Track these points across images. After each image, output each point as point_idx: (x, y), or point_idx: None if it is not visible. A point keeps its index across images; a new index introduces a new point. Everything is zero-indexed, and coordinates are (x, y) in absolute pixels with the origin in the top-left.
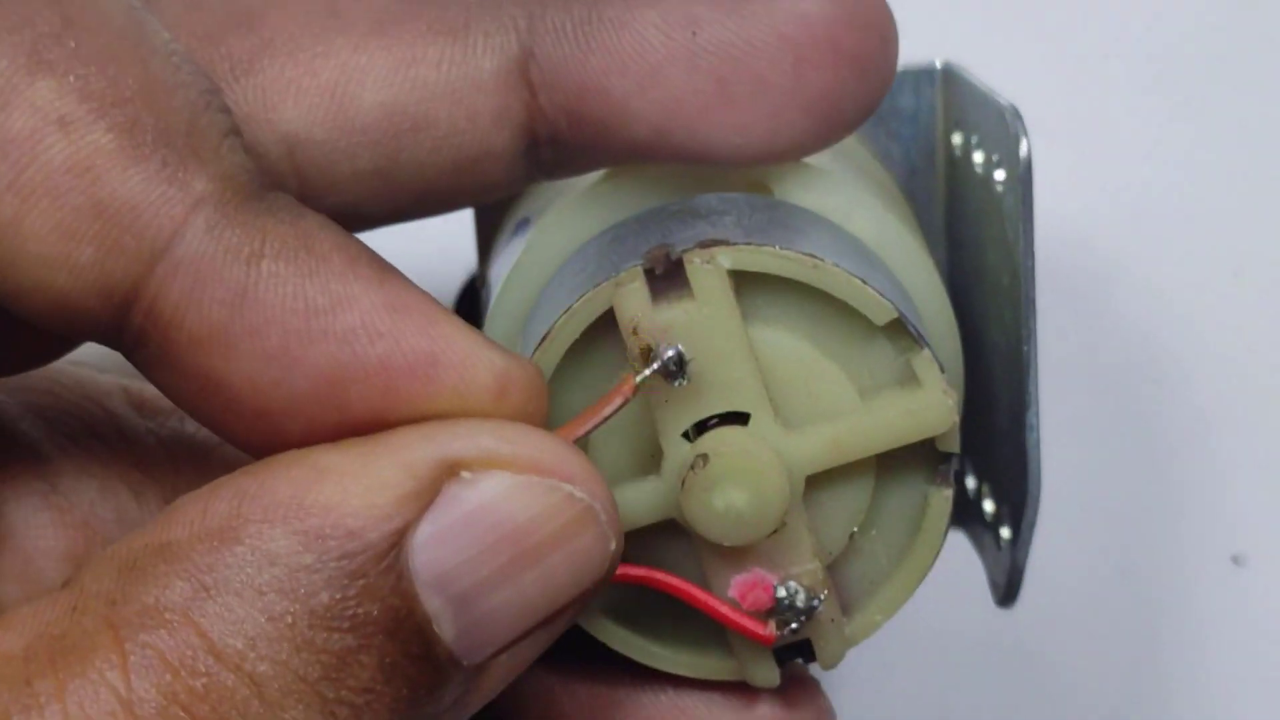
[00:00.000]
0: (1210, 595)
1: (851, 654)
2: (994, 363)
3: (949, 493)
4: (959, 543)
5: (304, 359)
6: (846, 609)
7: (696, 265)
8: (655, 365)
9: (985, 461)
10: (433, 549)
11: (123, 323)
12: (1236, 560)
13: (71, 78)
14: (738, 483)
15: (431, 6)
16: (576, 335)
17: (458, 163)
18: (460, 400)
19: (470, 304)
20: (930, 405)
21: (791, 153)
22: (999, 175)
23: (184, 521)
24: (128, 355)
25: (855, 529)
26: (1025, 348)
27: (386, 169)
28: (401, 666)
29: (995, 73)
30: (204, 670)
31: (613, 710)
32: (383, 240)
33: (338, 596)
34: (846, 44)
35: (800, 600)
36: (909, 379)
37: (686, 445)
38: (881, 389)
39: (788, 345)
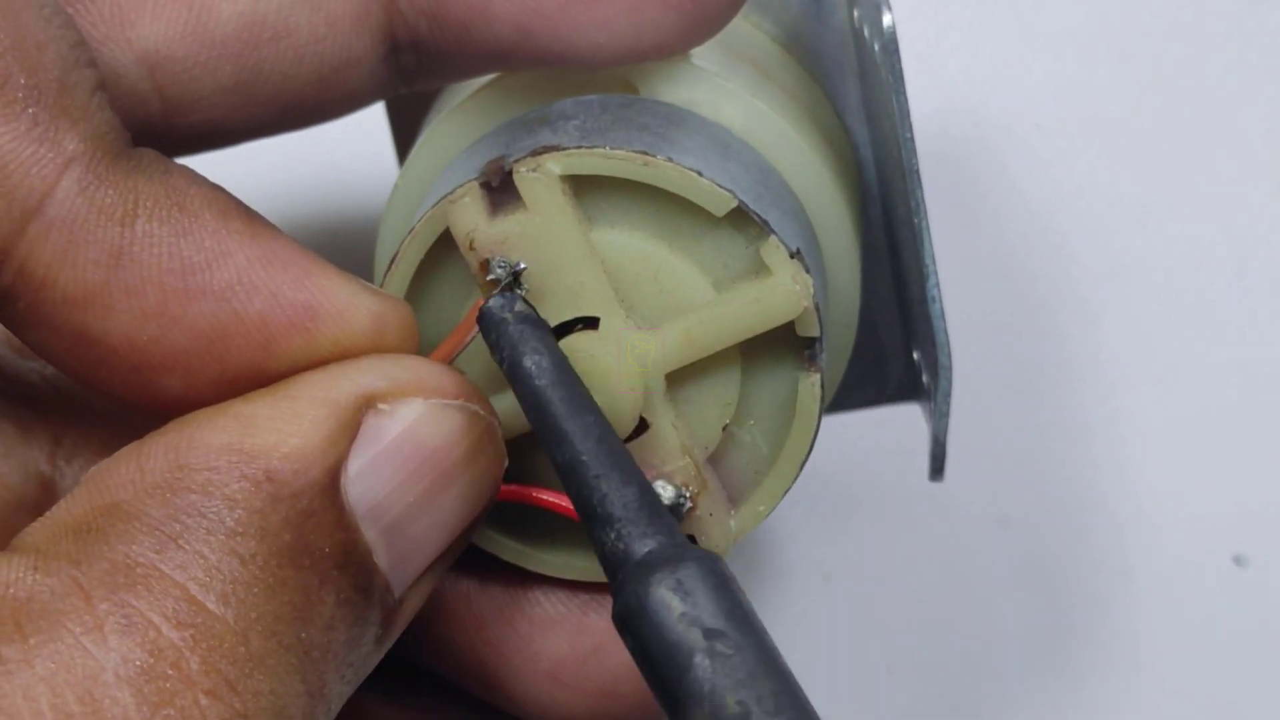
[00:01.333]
0: (1211, 595)
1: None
2: (904, 235)
3: (817, 377)
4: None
5: (182, 317)
6: (734, 500)
7: (524, 174)
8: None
9: (917, 333)
10: (365, 481)
11: None
12: (1238, 561)
13: None
14: (589, 387)
15: None
16: (421, 255)
17: (320, 72)
18: (339, 347)
19: None
20: (779, 291)
21: (658, 51)
22: (876, 47)
23: (123, 482)
24: None
25: (728, 421)
26: (915, 220)
27: (249, 82)
28: (353, 601)
29: (984, 65)
30: (188, 621)
31: (523, 610)
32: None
33: (297, 535)
34: None
35: (667, 498)
36: (761, 267)
37: None
38: (736, 280)
39: (635, 245)
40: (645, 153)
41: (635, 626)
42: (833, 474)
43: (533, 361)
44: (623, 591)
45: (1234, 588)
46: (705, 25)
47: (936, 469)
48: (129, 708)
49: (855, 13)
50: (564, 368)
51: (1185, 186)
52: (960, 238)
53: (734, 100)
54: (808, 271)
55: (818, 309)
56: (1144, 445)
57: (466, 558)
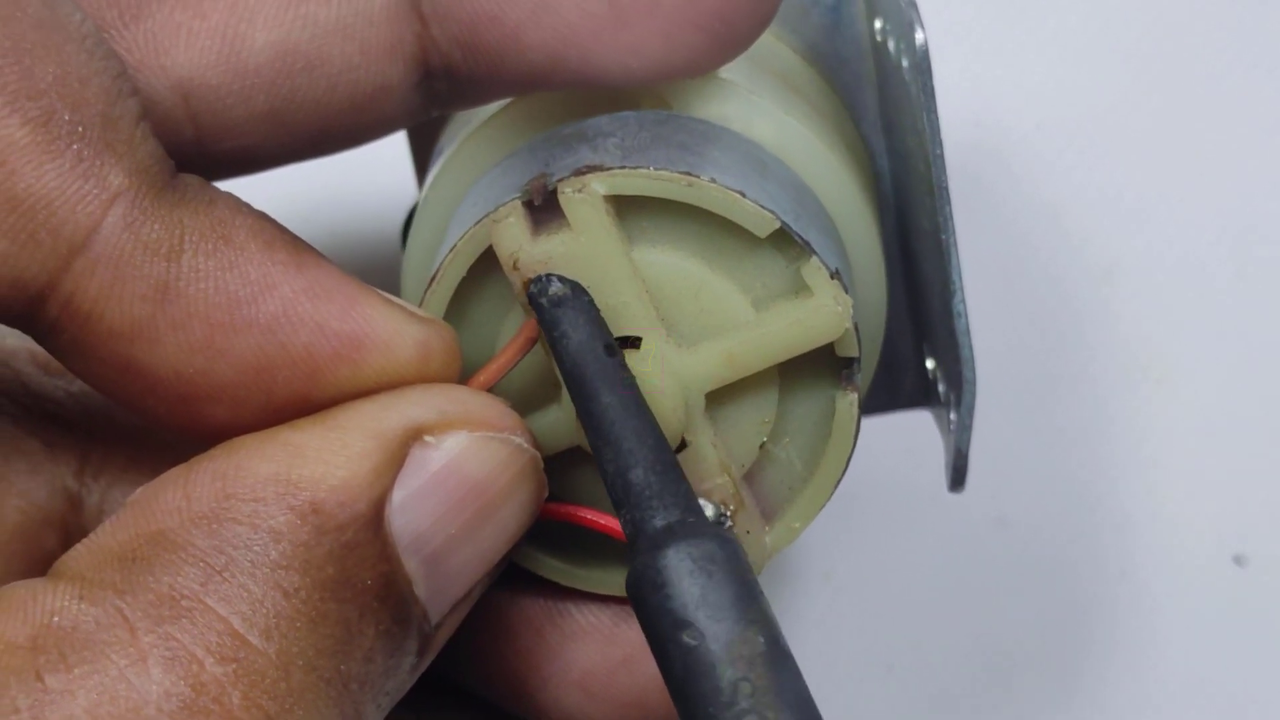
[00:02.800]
0: (1211, 595)
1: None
2: (925, 247)
3: (854, 396)
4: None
5: (229, 349)
6: (768, 517)
7: (569, 195)
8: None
9: (935, 344)
10: (408, 512)
11: (36, 312)
12: (1238, 561)
13: None
14: None
15: None
16: (463, 274)
17: (353, 99)
18: (384, 376)
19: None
20: (821, 313)
21: (688, 70)
22: (905, 63)
23: (169, 510)
24: (39, 340)
25: (765, 439)
26: (944, 236)
27: (282, 109)
28: (392, 631)
29: (984, 64)
30: (231, 656)
31: (554, 621)
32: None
33: (340, 568)
34: None
35: (709, 516)
36: (802, 287)
37: None
38: (775, 299)
39: (676, 264)
40: (689, 174)
41: (641, 594)
42: None
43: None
44: (637, 558)
45: (1234, 588)
46: (734, 45)
47: (958, 480)
48: None
49: (877, 24)
50: (596, 341)
51: (1186, 186)
52: (960, 236)
53: (765, 116)
54: (846, 291)
55: (856, 329)
56: (1144, 445)
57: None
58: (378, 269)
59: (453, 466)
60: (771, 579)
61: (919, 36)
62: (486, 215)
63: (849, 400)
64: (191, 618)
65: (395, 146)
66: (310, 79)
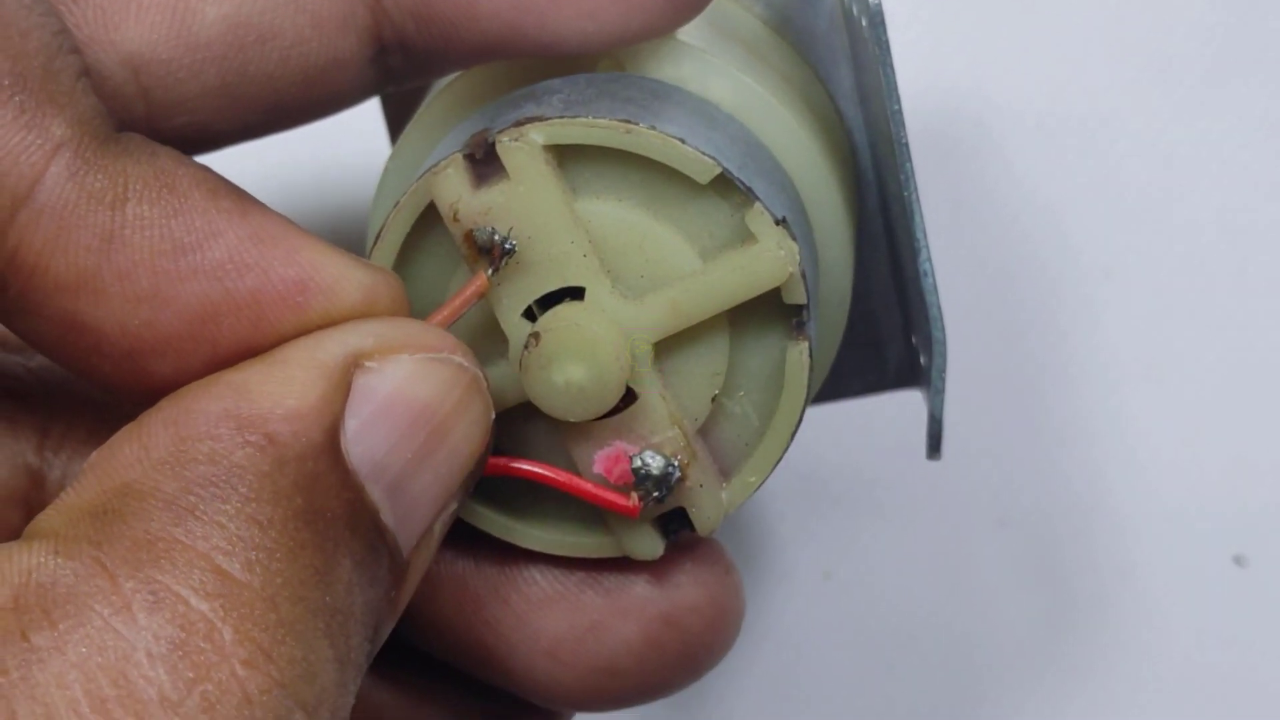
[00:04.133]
0: (1211, 595)
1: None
2: (897, 213)
3: (805, 345)
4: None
5: (175, 298)
6: (726, 473)
7: (506, 144)
8: (496, 259)
9: (911, 314)
10: (363, 440)
11: None
12: (1238, 561)
13: None
14: (573, 357)
15: None
16: (408, 228)
17: (306, 73)
18: (329, 319)
19: None
20: (764, 258)
21: (646, 33)
22: (864, 22)
23: (129, 462)
24: None
25: (717, 392)
26: (905, 193)
27: (234, 84)
28: (366, 561)
29: (984, 64)
30: (216, 591)
31: (519, 589)
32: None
33: (308, 498)
34: None
35: (655, 468)
36: (747, 235)
37: (527, 325)
38: (722, 249)
39: (620, 215)
40: (628, 121)
41: None
42: (833, 473)
43: None
44: None
45: (1234, 588)
46: (691, 4)
47: (934, 447)
48: (164, 686)
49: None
50: None
51: (1186, 186)
52: (960, 236)
53: (722, 76)
54: (794, 239)
55: (804, 276)
56: (1144, 445)
57: (460, 539)
58: (354, 239)
59: (399, 391)
60: (771, 579)
61: None
62: (428, 169)
63: (800, 349)
64: (171, 558)
65: (371, 117)
66: (262, 52)
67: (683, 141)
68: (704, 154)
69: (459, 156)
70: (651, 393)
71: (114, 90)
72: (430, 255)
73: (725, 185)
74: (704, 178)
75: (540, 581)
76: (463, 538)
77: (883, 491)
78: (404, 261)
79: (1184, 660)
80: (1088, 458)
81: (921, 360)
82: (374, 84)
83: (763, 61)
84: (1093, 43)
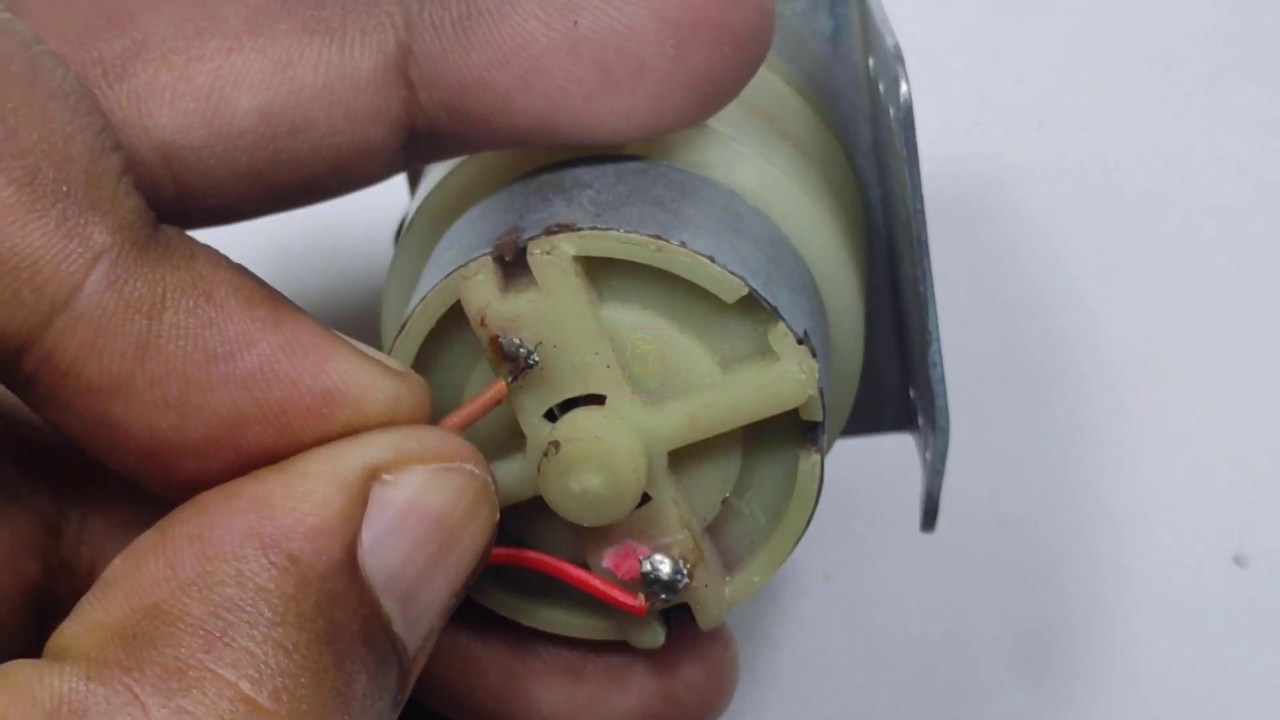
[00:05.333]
0: (1211, 595)
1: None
2: (909, 289)
3: (817, 458)
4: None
5: (204, 405)
6: (729, 566)
7: (538, 256)
8: (519, 369)
9: (916, 381)
10: (379, 553)
11: (12, 364)
12: (1238, 561)
13: None
14: (591, 467)
15: (306, 2)
16: (431, 325)
17: (336, 160)
18: (352, 430)
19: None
20: (785, 379)
21: (675, 127)
22: (890, 111)
23: (157, 580)
24: (12, 389)
25: (728, 494)
26: (922, 288)
27: (264, 169)
28: (377, 674)
29: (985, 64)
30: None
31: (522, 661)
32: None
33: (329, 618)
34: (727, 22)
35: (665, 572)
36: (769, 350)
37: (547, 426)
38: (743, 359)
39: (644, 323)
40: (659, 237)
41: None
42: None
43: None
44: None
45: (1234, 588)
46: (721, 100)
47: (928, 522)
48: None
49: (870, 61)
50: None
51: (1186, 185)
52: (961, 236)
53: (747, 163)
54: (814, 355)
55: (822, 394)
56: (1144, 445)
57: (467, 611)
58: (369, 274)
59: (414, 502)
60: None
61: (903, 89)
62: (457, 269)
63: (812, 461)
64: (201, 687)
65: None
66: (294, 142)
67: (712, 259)
68: (732, 273)
69: (489, 260)
70: (664, 497)
71: (145, 173)
72: (453, 347)
73: (751, 302)
74: (731, 297)
75: (543, 655)
76: (469, 612)
77: (882, 492)
78: (426, 351)
79: (1184, 660)
80: (1088, 458)
81: (919, 420)
82: (402, 165)
83: (783, 137)
84: (1093, 43)
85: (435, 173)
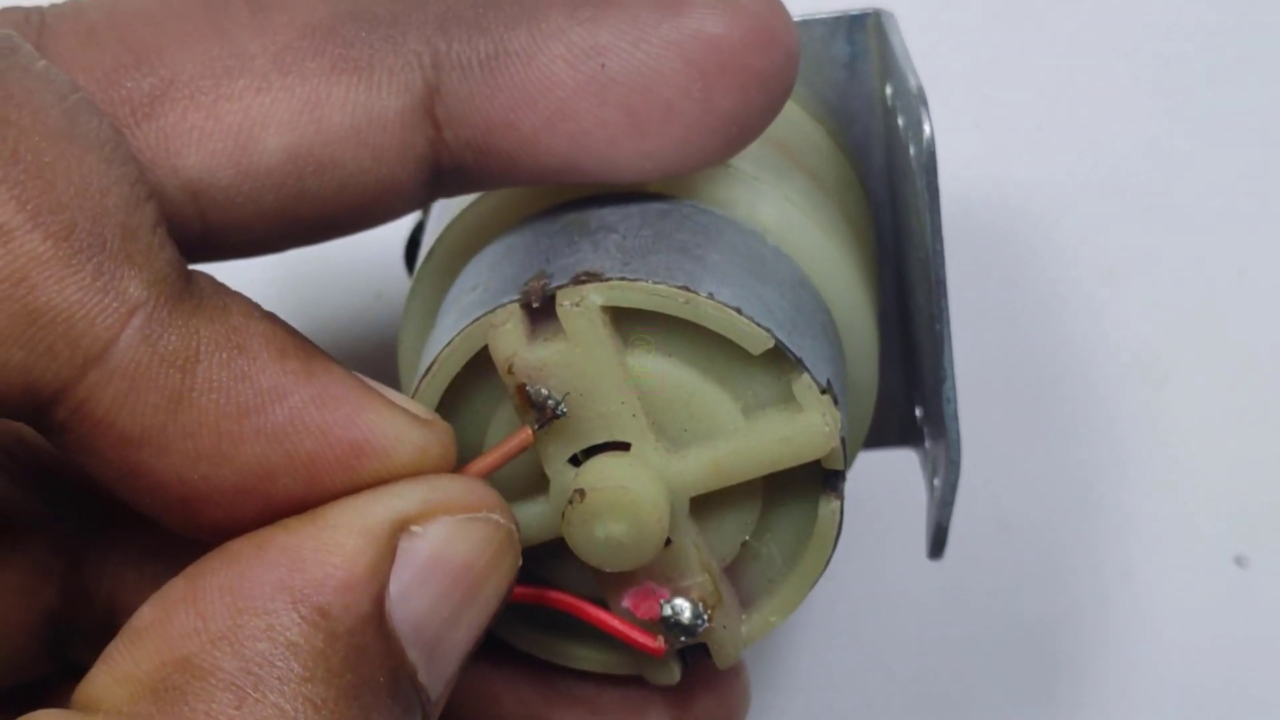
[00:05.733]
0: (1211, 596)
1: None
2: (919, 321)
3: (837, 504)
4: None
5: (235, 457)
6: (746, 604)
7: (567, 308)
8: (546, 418)
9: (925, 405)
10: (405, 603)
11: (44, 413)
12: (1238, 561)
13: (7, 185)
14: (616, 515)
15: (334, 41)
16: (457, 370)
17: (361, 198)
18: (380, 479)
19: (416, 251)
20: (809, 431)
21: (699, 168)
22: (911, 150)
23: (187, 633)
24: (44, 434)
25: (747, 537)
26: (938, 326)
27: (290, 207)
28: None
29: (985, 65)
30: None
31: (541, 693)
32: None
33: (357, 673)
34: (753, 65)
35: (685, 618)
36: (792, 399)
37: (572, 471)
38: (766, 407)
39: (669, 371)
40: (687, 288)
41: None
42: None
43: None
44: None
45: (1234, 588)
46: (745, 141)
47: (937, 551)
48: None
49: (889, 89)
50: None
51: (1187, 185)
52: (961, 237)
53: (767, 202)
54: (836, 404)
55: (843, 442)
56: (1144, 446)
57: (486, 643)
58: (372, 281)
59: (440, 552)
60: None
61: (926, 131)
62: (485, 314)
63: (832, 508)
64: None
65: None
66: (320, 180)
67: (739, 311)
68: (758, 324)
69: (517, 309)
70: (686, 541)
71: (172, 212)
72: (477, 389)
73: (776, 353)
74: (757, 349)
75: (559, 687)
76: (488, 641)
77: (883, 493)
78: (450, 392)
79: (1184, 660)
80: (1088, 460)
81: (925, 443)
82: (426, 199)
83: (798, 167)
84: (1093, 44)
85: (455, 202)
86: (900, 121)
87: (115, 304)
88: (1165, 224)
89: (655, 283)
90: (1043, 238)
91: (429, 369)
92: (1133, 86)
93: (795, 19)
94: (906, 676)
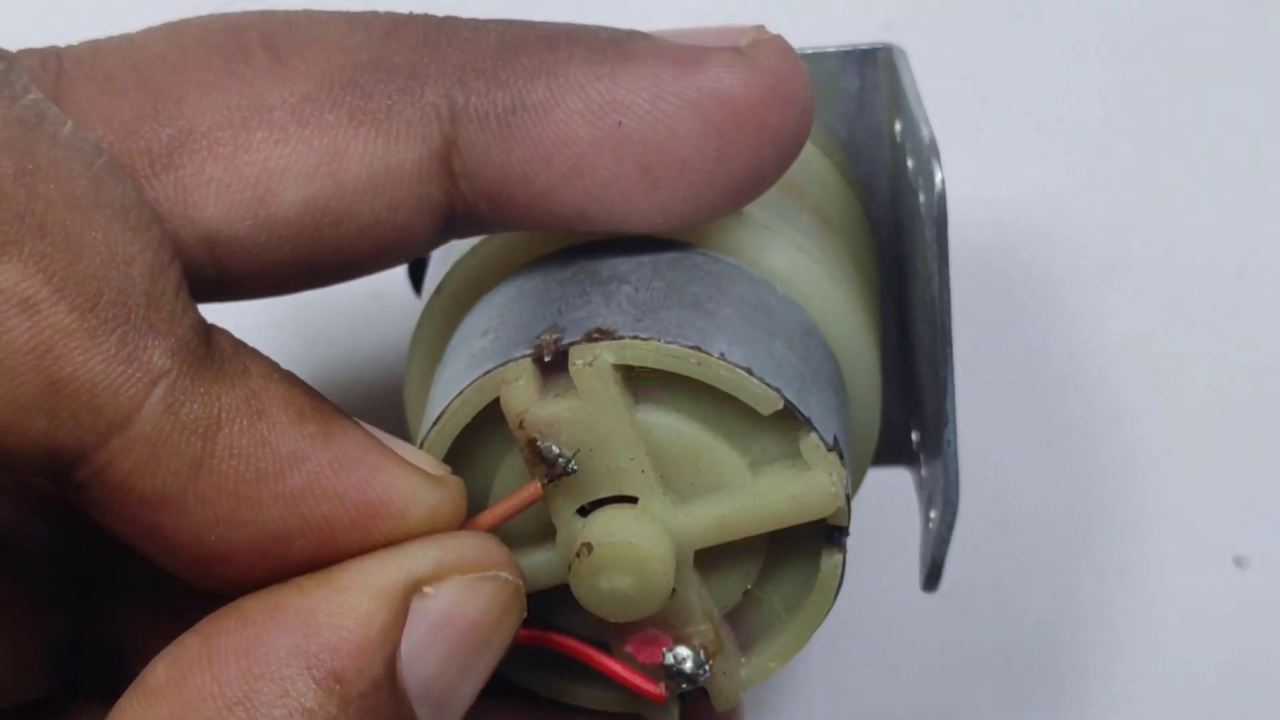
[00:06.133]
0: (1212, 597)
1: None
2: (920, 355)
3: (840, 557)
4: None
5: (251, 520)
6: (745, 648)
7: (580, 367)
8: (556, 474)
9: (925, 436)
10: (416, 665)
11: (63, 474)
12: (1239, 562)
13: (35, 258)
14: (622, 569)
15: (353, 92)
16: (468, 420)
17: (377, 245)
18: (393, 539)
19: (421, 269)
20: (816, 491)
21: (710, 220)
22: (921, 198)
23: (203, 696)
24: (63, 489)
25: (749, 586)
26: (942, 373)
27: (305, 256)
28: None
29: (984, 67)
30: None
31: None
32: None
33: None
34: (770, 124)
35: (688, 667)
36: (798, 455)
37: (579, 522)
38: (773, 461)
39: (678, 427)
40: (699, 348)
41: None
42: None
43: None
44: None
45: (1234, 588)
46: (758, 193)
47: (932, 585)
48: None
49: (897, 126)
50: None
51: (1186, 185)
52: (960, 238)
53: (776, 248)
54: (842, 459)
55: (848, 499)
56: (1144, 446)
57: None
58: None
59: (451, 612)
60: None
61: (937, 182)
62: (497, 367)
63: (835, 561)
64: None
65: None
66: (337, 231)
67: (749, 372)
68: (768, 385)
69: (530, 364)
70: (689, 591)
71: (188, 260)
72: (486, 437)
73: (785, 412)
74: (767, 410)
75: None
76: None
77: (882, 493)
78: (458, 441)
79: (1184, 660)
80: (1087, 459)
81: (922, 470)
82: (439, 243)
83: (806, 207)
84: (1093, 43)
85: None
86: (910, 163)
87: (139, 374)
88: (1165, 223)
89: (667, 341)
90: (1041, 238)
91: (439, 418)
92: (1134, 85)
93: (806, 51)
94: (907, 676)
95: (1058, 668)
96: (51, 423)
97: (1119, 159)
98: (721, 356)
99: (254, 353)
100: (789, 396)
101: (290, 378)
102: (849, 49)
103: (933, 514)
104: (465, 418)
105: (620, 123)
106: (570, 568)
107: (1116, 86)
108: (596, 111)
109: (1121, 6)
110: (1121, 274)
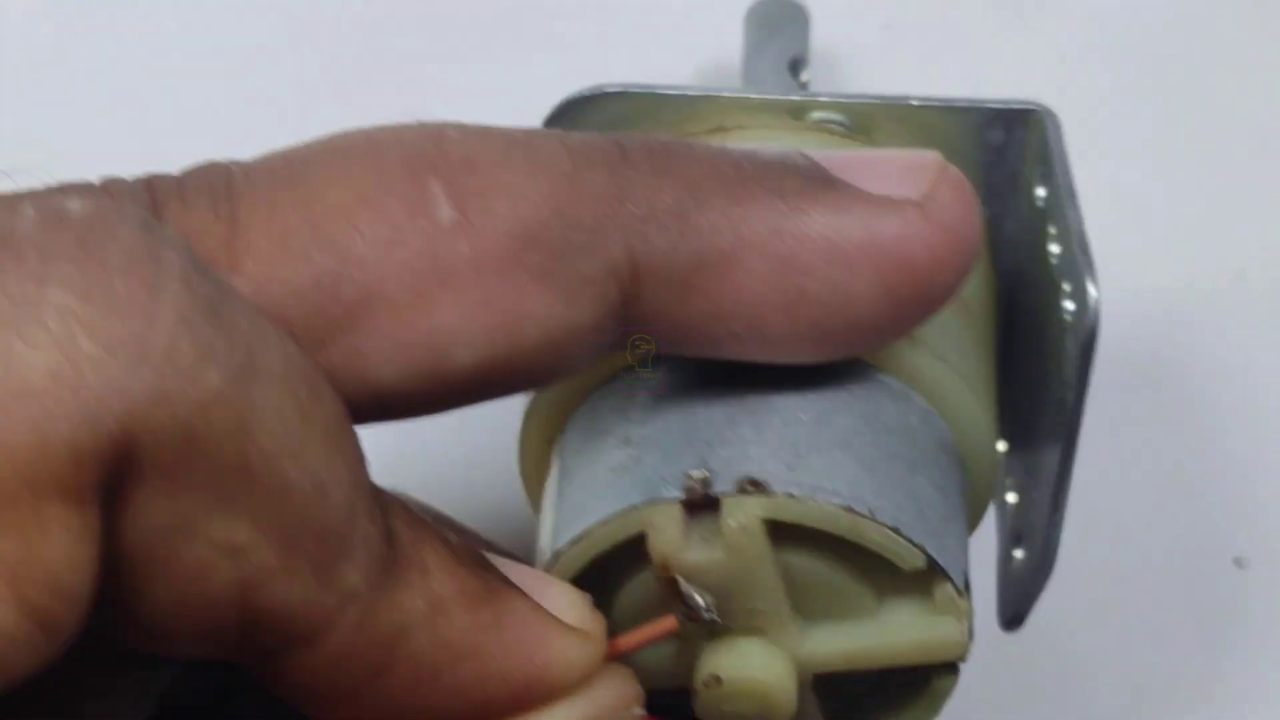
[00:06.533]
0: (1212, 598)
1: None
2: (1041, 423)
3: (953, 680)
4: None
5: (420, 710)
6: None
7: (732, 526)
8: (694, 617)
9: (1024, 476)
10: None
11: (244, 663)
12: (1239, 563)
13: (250, 512)
14: (749, 702)
15: (536, 249)
16: (607, 548)
17: (539, 384)
18: (542, 700)
19: None
20: (945, 638)
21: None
22: (1068, 305)
23: None
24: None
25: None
26: (1059, 495)
27: (469, 400)
28: None
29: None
30: None
31: None
32: None
33: None
34: (945, 282)
35: None
36: (928, 594)
37: (709, 646)
38: (904, 593)
39: (815, 568)
40: (851, 509)
41: None
42: None
43: None
44: None
45: (1234, 588)
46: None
47: (1014, 626)
48: None
49: (1040, 191)
50: None
51: (1186, 185)
52: None
53: (920, 358)
54: (969, 602)
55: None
56: (1144, 446)
57: None
58: None
59: None
60: None
61: (1091, 300)
62: (645, 505)
63: (948, 682)
64: None
65: None
66: (506, 381)
67: (897, 531)
68: (914, 544)
69: (678, 510)
70: (806, 708)
71: (354, 412)
72: (619, 556)
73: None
74: (908, 566)
75: None
76: None
77: None
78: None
79: (1184, 661)
80: (1086, 458)
81: (1011, 512)
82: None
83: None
84: (1089, 42)
85: None
86: (1053, 249)
87: (333, 599)
88: (1164, 223)
89: (820, 499)
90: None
91: (579, 538)
92: (1134, 85)
93: (957, 104)
94: None
95: (1057, 668)
96: (242, 637)
97: (1118, 158)
98: (870, 514)
99: (426, 533)
100: (931, 552)
101: (459, 555)
102: (1003, 106)
103: (1017, 553)
104: (606, 544)
105: (802, 291)
106: (698, 693)
107: (1117, 87)
108: (777, 269)
109: (1122, 7)
110: (1121, 274)
